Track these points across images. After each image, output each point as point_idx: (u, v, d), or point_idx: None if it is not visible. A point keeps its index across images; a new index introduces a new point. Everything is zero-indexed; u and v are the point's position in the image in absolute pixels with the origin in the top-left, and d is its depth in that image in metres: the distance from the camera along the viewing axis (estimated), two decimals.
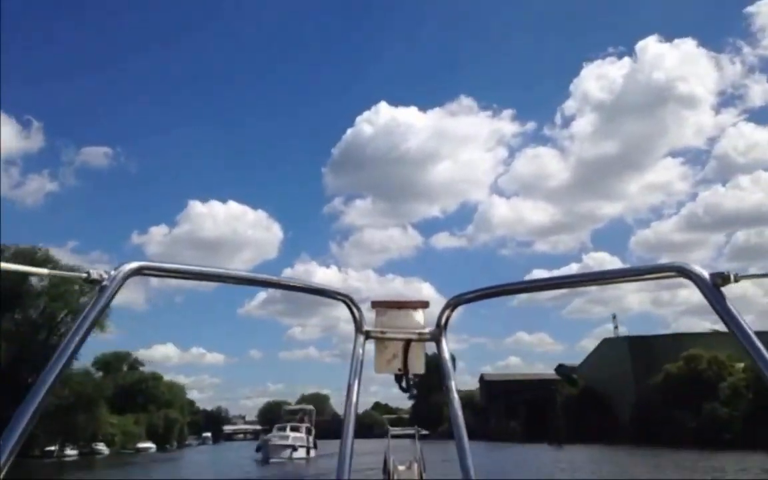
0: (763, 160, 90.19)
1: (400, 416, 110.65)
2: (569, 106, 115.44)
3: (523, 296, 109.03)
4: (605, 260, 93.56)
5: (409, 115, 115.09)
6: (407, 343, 1.75)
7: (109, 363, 74.26)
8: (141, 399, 77.27)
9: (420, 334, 1.75)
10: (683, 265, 1.30)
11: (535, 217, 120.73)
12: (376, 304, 1.79)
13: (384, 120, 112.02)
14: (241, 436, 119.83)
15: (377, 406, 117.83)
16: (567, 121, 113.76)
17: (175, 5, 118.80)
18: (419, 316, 1.77)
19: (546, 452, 45.25)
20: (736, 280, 1.23)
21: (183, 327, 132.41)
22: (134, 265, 1.23)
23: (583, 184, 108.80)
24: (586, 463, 33.94)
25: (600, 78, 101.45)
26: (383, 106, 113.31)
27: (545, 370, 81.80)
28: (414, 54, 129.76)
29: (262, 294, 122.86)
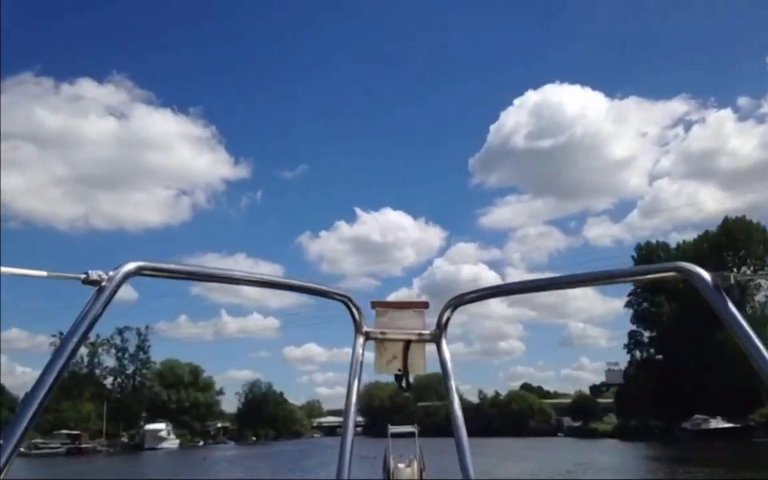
0: None
1: (567, 402, 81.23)
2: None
3: None
4: None
5: (565, 99, 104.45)
6: (407, 343, 1.75)
7: None
8: None
9: (420, 334, 1.75)
10: (684, 266, 1.30)
11: (710, 202, 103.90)
12: (376, 305, 1.79)
13: (540, 107, 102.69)
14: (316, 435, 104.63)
15: (527, 387, 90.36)
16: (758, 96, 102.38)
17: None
18: (419, 316, 1.78)
19: None
20: (737, 280, 1.23)
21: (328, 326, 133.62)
22: (133, 265, 1.22)
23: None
24: None
25: None
26: (530, 94, 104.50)
27: None
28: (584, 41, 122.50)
29: None
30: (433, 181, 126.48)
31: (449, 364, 1.71)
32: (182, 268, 1.43)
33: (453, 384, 1.67)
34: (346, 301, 1.74)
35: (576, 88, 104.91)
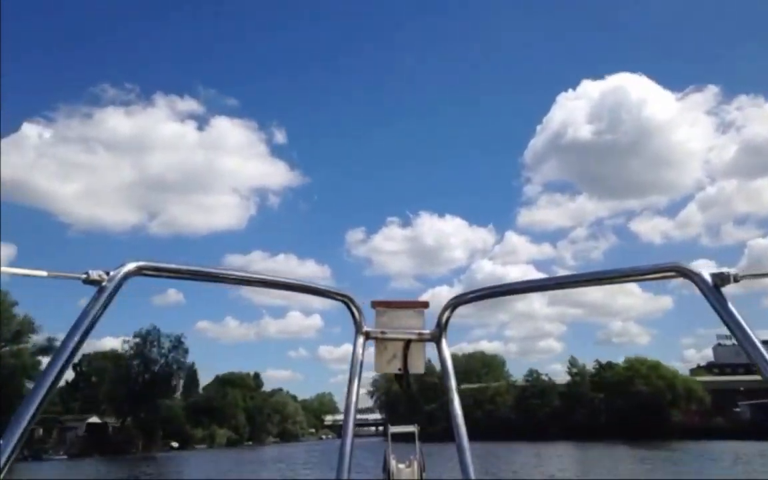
0: None
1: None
2: None
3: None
4: None
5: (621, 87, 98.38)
6: (407, 343, 1.76)
7: None
8: None
9: (420, 334, 1.76)
10: (683, 266, 1.30)
11: None
12: (377, 304, 1.80)
13: (598, 101, 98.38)
14: (372, 428, 75.40)
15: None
16: None
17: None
18: (419, 316, 1.78)
19: None
20: (736, 280, 1.23)
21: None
22: (133, 265, 1.22)
23: None
24: None
25: None
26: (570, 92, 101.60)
27: None
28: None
29: None
30: (484, 181, 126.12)
31: (449, 364, 1.71)
32: (183, 268, 1.43)
33: (453, 384, 1.68)
34: (347, 301, 1.75)
35: (636, 79, 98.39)
